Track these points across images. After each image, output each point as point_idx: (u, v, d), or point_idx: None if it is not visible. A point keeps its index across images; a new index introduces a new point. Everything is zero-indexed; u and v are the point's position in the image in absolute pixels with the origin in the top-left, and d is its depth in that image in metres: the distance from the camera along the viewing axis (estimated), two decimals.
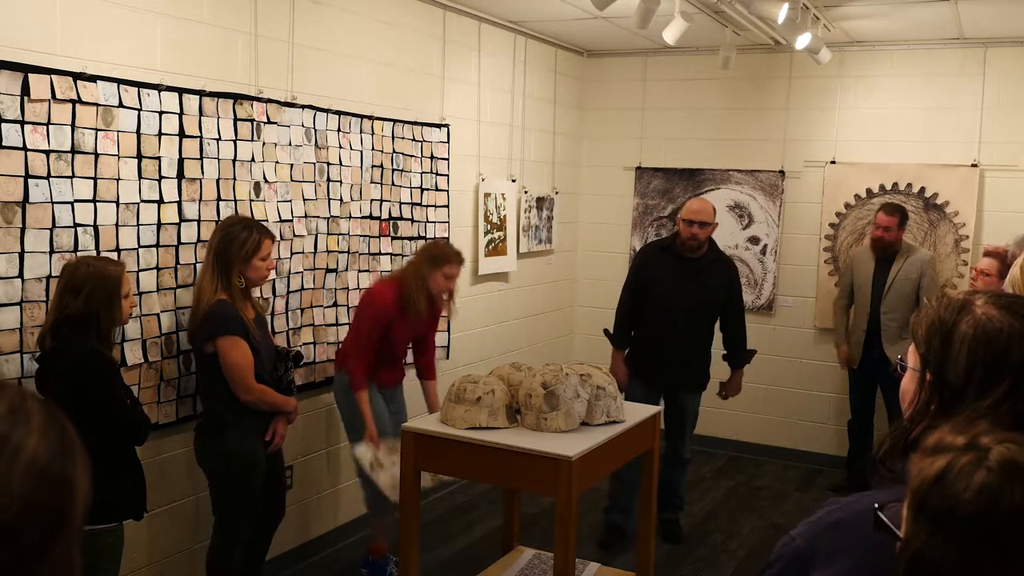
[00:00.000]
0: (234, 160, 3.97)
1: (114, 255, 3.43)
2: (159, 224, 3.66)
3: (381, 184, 4.88)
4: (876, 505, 1.11)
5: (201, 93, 3.79)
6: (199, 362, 3.63)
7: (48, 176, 3.22)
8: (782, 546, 1.38)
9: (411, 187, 5.12)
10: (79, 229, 3.34)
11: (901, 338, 5.53)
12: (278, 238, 4.14)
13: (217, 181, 3.90)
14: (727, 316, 4.98)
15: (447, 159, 5.39)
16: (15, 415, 0.71)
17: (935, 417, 1.28)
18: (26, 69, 3.12)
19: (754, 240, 6.62)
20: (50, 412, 0.75)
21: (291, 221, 4.32)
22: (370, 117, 4.76)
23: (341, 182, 4.61)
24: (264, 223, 3.80)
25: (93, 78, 3.34)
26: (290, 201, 4.31)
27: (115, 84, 3.43)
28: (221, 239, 3.53)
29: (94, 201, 3.39)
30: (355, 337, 4.21)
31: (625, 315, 5.01)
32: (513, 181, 6.16)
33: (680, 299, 4.80)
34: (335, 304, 4.66)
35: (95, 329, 2.98)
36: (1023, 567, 0.91)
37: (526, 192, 6.32)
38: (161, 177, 3.65)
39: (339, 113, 4.55)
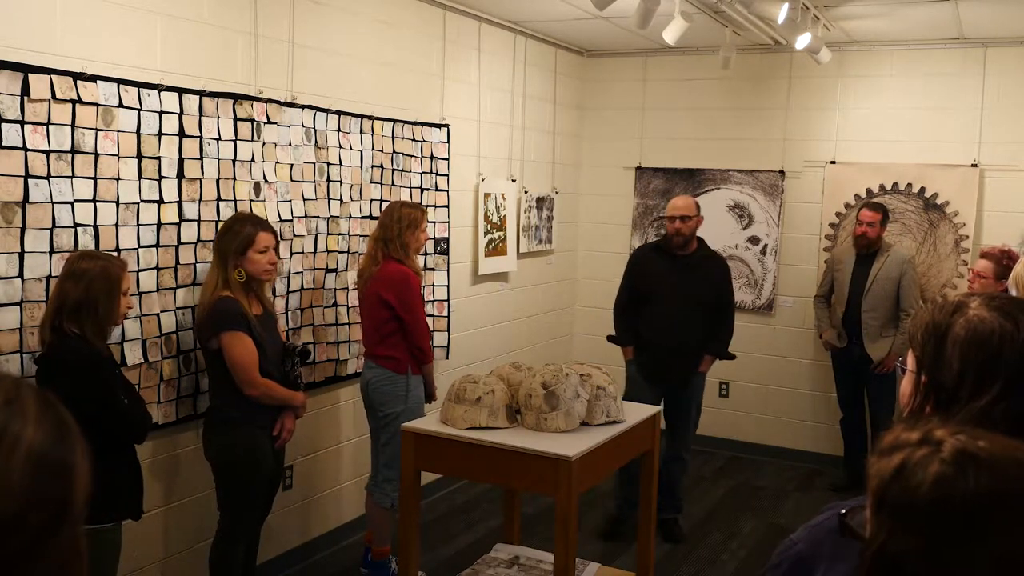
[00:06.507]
0: (234, 160, 3.98)
1: (114, 255, 3.43)
2: (159, 224, 3.66)
3: (381, 184, 4.88)
4: (843, 511, 1.12)
5: (201, 93, 3.79)
6: (206, 358, 3.66)
7: (48, 176, 3.22)
8: (783, 550, 1.37)
9: (411, 187, 5.12)
10: (79, 229, 3.34)
11: (882, 336, 5.60)
12: (279, 235, 4.13)
13: (217, 181, 3.90)
14: (716, 311, 5.00)
15: (447, 159, 5.39)
16: (11, 406, 0.70)
17: (930, 419, 1.29)
18: (26, 69, 3.12)
19: (754, 240, 6.62)
20: (45, 400, 0.74)
21: (291, 221, 4.32)
22: (370, 117, 4.76)
23: (341, 182, 4.61)
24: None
25: (93, 78, 3.35)
26: (290, 201, 4.31)
27: (115, 84, 3.43)
28: (219, 234, 3.62)
29: (94, 201, 3.39)
30: (414, 319, 4.18)
31: (622, 312, 5.13)
32: (513, 181, 6.16)
33: (675, 295, 4.90)
34: (335, 304, 4.66)
35: (92, 319, 2.96)
36: (983, 551, 0.93)
37: (526, 192, 6.32)
38: (161, 177, 3.65)
39: (339, 113, 4.55)
